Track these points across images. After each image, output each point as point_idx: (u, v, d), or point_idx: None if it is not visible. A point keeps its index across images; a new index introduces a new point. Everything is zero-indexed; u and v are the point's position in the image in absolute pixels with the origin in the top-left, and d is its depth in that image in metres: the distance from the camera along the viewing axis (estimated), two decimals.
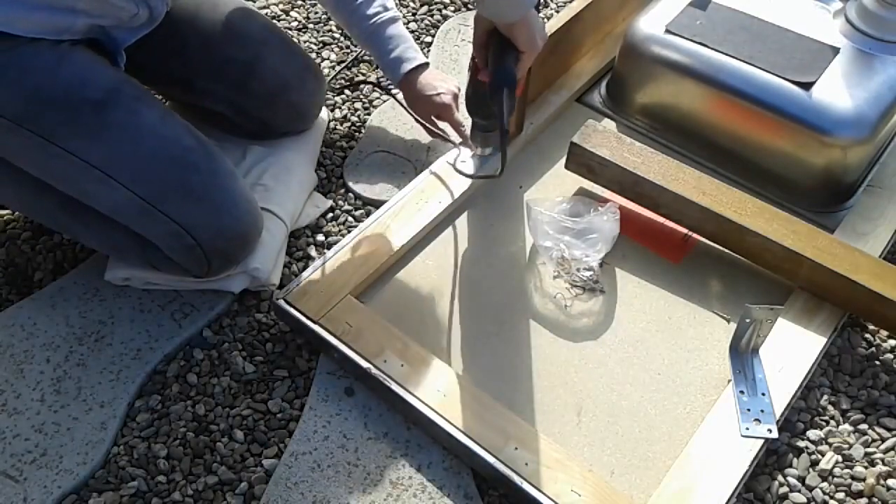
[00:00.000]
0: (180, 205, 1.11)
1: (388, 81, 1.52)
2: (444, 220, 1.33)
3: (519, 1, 1.03)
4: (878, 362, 1.20)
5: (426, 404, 1.07)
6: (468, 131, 1.35)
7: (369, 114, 1.56)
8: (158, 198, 1.10)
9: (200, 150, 1.14)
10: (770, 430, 1.05)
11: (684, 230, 1.31)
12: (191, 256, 1.14)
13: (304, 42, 1.70)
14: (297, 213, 1.34)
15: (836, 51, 1.36)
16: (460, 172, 1.36)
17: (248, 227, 1.17)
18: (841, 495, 1.07)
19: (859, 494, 1.07)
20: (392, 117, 1.54)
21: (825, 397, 1.16)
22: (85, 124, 1.07)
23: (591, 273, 1.23)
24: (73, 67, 1.07)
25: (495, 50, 1.11)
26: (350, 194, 1.42)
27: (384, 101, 1.58)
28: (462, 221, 1.34)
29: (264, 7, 1.79)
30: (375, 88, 1.60)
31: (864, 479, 1.08)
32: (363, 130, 1.53)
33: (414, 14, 1.79)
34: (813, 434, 1.12)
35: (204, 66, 1.31)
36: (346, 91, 1.60)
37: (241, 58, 1.28)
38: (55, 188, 1.14)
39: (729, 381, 1.12)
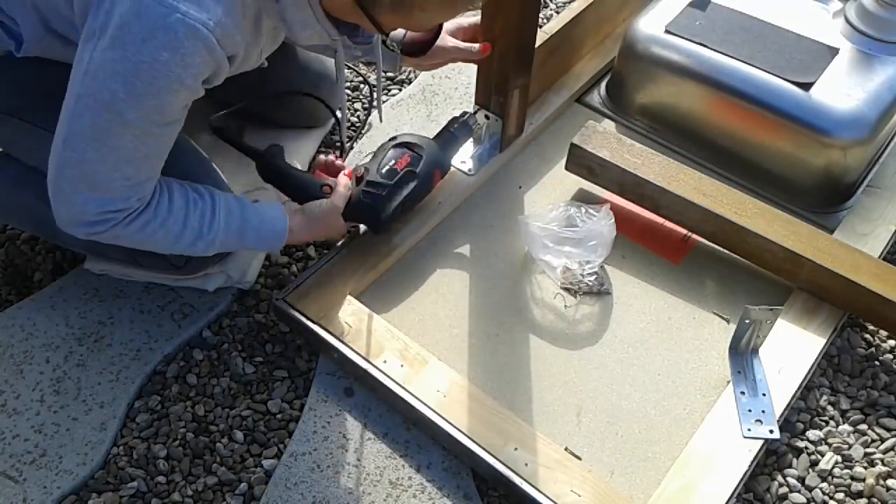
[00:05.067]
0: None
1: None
2: (444, 220, 1.33)
3: None
4: (877, 362, 1.20)
5: (426, 404, 1.07)
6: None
7: (369, 114, 1.56)
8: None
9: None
10: (772, 431, 1.05)
11: (684, 231, 1.31)
12: None
13: None
14: None
15: (835, 51, 1.36)
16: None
17: None
18: (840, 495, 1.07)
19: (859, 495, 1.07)
20: (392, 117, 1.54)
21: (825, 397, 1.16)
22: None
23: (595, 277, 1.23)
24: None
25: None
26: None
27: (384, 102, 1.58)
28: (462, 221, 1.34)
29: None
30: (375, 88, 1.60)
31: (863, 480, 1.08)
32: (363, 130, 1.53)
33: None
34: (812, 434, 1.12)
35: None
36: (347, 91, 1.60)
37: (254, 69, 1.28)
38: (34, 182, 1.12)
39: (728, 381, 1.12)
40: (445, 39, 1.26)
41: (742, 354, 1.15)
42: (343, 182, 1.19)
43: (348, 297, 1.19)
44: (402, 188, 1.20)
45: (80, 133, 0.92)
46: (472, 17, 1.30)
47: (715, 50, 1.37)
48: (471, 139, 1.35)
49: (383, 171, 1.20)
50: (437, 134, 1.30)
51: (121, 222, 0.98)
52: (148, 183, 0.99)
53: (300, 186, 1.20)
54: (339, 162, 1.24)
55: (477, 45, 1.26)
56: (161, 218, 1.01)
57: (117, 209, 0.97)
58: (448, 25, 1.29)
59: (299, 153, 1.42)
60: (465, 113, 1.33)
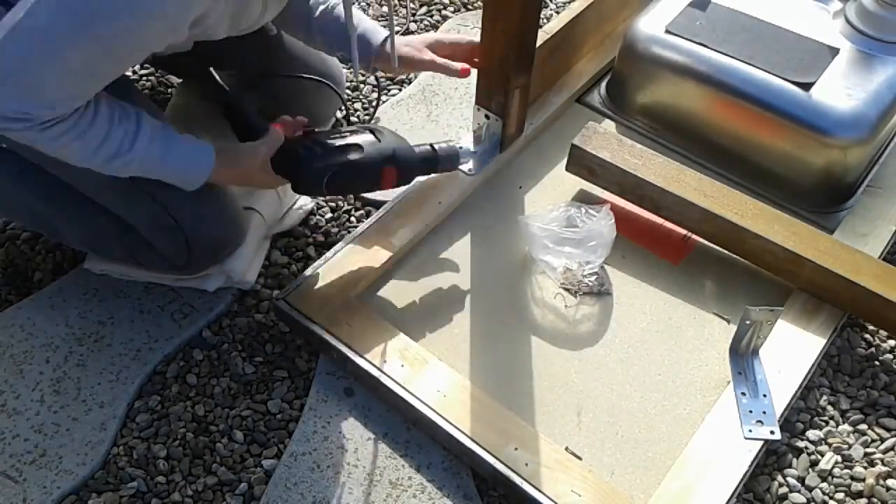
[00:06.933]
0: (163, 185, 1.09)
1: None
2: (444, 221, 1.33)
3: None
4: (877, 362, 1.20)
5: (426, 404, 1.07)
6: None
7: (369, 114, 1.56)
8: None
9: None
10: (773, 432, 1.05)
11: (684, 231, 1.31)
12: (171, 240, 1.13)
13: None
14: (280, 214, 1.33)
15: (835, 51, 1.36)
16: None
17: (231, 212, 1.17)
18: (840, 495, 1.07)
19: (859, 495, 1.07)
20: (392, 117, 1.54)
21: (825, 398, 1.16)
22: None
23: (596, 277, 1.23)
24: None
25: None
26: (350, 195, 1.42)
27: (384, 102, 1.58)
28: (462, 221, 1.34)
29: None
30: (375, 88, 1.60)
31: (863, 480, 1.08)
32: None
33: (414, 14, 1.79)
34: (812, 434, 1.12)
35: (221, 59, 1.31)
36: (347, 91, 1.60)
37: (258, 62, 1.28)
38: (34, 180, 1.13)
39: (728, 381, 1.12)
40: (422, 52, 1.24)
41: (742, 355, 1.15)
42: (275, 131, 1.13)
43: (348, 296, 1.19)
44: (340, 155, 1.13)
45: (33, 30, 0.86)
46: (453, 35, 1.30)
47: (715, 50, 1.37)
48: (448, 169, 1.28)
49: (333, 136, 1.15)
50: (420, 144, 1.24)
51: (37, 125, 0.94)
52: (80, 101, 0.95)
53: (251, 130, 1.16)
54: (300, 118, 1.19)
55: (457, 65, 1.24)
56: (81, 129, 0.96)
57: (38, 113, 0.92)
58: (427, 39, 1.26)
59: None
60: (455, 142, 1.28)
